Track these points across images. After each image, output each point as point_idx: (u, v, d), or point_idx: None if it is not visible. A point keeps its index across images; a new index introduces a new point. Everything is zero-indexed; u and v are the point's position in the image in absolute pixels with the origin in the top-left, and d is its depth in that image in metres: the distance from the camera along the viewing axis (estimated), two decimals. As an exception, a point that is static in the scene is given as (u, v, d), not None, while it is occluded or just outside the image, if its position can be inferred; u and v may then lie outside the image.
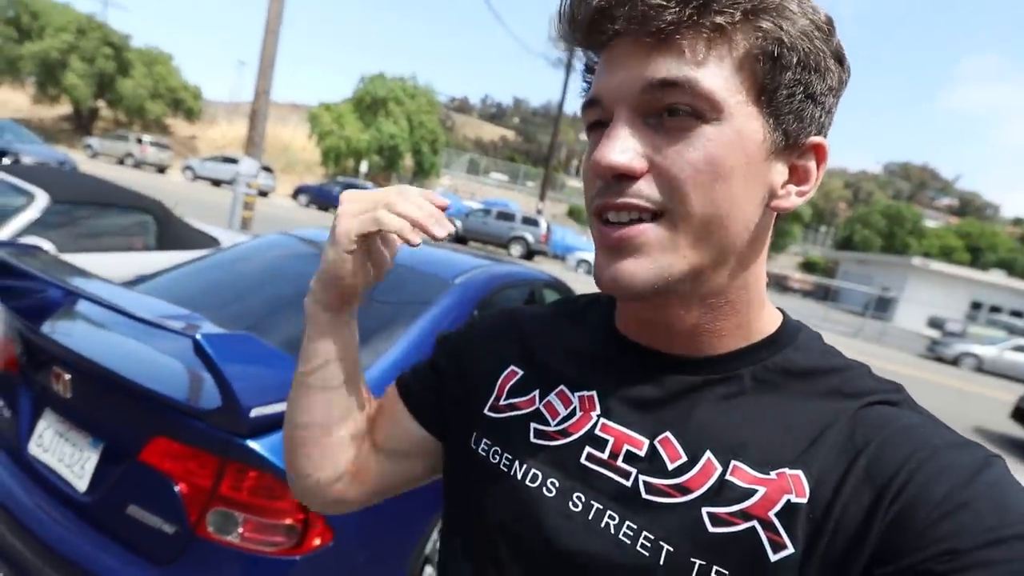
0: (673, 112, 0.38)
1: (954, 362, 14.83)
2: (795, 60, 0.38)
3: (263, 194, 18.46)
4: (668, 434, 0.43)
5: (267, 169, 19.88)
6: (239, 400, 1.01)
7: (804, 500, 0.37)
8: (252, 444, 1.08)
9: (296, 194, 20.21)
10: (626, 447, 0.44)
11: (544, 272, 2.77)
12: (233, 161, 18.15)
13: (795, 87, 0.39)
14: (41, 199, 2.84)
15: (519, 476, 0.47)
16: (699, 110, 0.38)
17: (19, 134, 9.55)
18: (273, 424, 1.11)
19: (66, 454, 1.27)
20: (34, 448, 1.33)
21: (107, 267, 2.60)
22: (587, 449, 0.45)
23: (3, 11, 23.84)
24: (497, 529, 0.47)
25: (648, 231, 0.39)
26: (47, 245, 2.62)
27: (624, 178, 0.39)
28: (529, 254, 16.47)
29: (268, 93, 7.21)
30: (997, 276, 27.89)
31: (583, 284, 14.62)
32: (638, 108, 0.39)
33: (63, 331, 1.35)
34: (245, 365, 1.06)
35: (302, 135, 29.59)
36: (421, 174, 28.36)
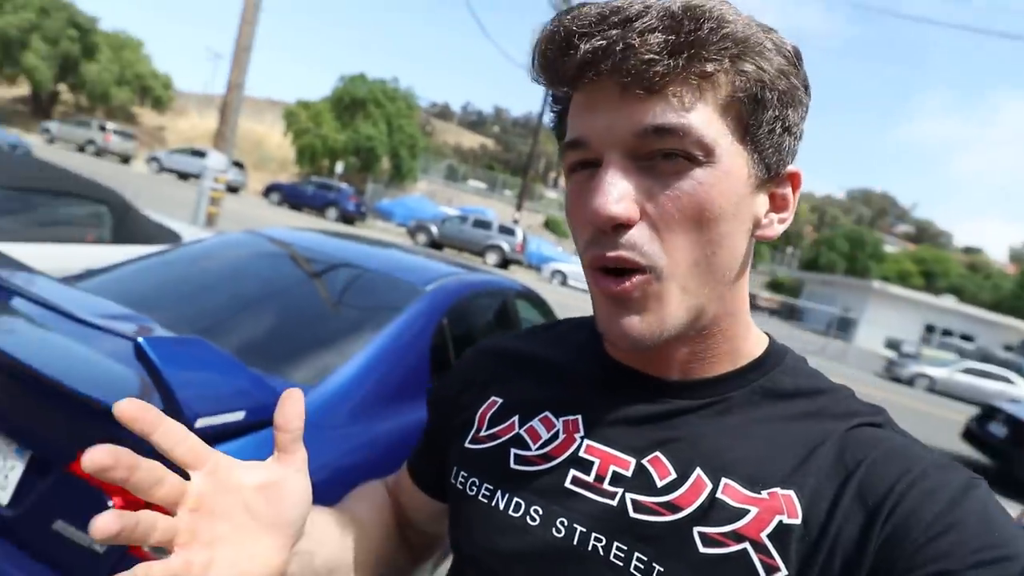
0: (667, 156, 0.39)
1: (909, 382, 15.46)
2: (775, 98, 0.40)
3: (232, 190, 17.96)
4: (657, 453, 0.43)
5: (238, 164, 19.34)
6: (184, 409, 0.94)
7: (797, 521, 0.38)
8: (196, 457, 1.00)
9: (267, 192, 19.77)
10: (612, 468, 0.43)
11: (517, 282, 2.75)
12: (202, 154, 17.60)
13: (775, 123, 0.40)
14: (-16, 183, 2.66)
15: (501, 507, 0.46)
16: (691, 153, 0.38)
17: (-30, 114, 9.06)
18: (222, 435, 1.03)
19: (-13, 463, 1.15)
20: (-49, 455, 1.21)
21: (53, 259, 2.44)
22: (572, 472, 0.44)
23: (-39, -15, 22.72)
24: (487, 563, 0.46)
25: (647, 286, 0.40)
26: (-13, 233, 2.45)
27: (620, 226, 0.39)
28: (504, 263, 16.47)
29: (241, 86, 7.02)
30: (949, 301, 29.29)
31: (557, 294, 14.69)
32: (629, 152, 0.39)
33: (-9, 328, 1.24)
34: (193, 372, 0.98)
35: (277, 132, 29.05)
36: (398, 178, 28.12)
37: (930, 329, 27.90)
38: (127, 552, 1.00)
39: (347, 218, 18.32)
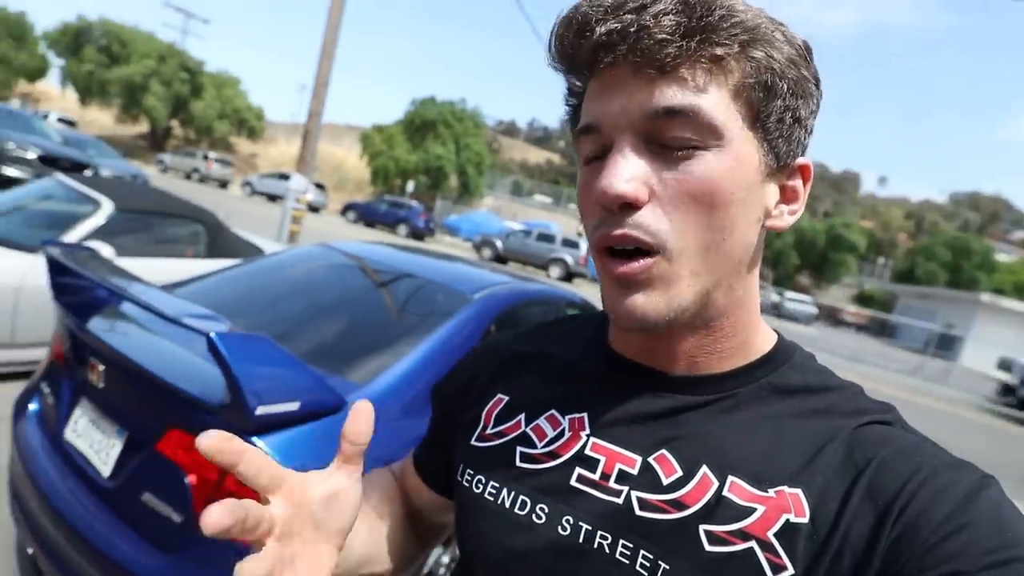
0: (676, 139, 0.39)
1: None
2: (785, 87, 0.40)
3: (314, 210, 19.31)
4: (664, 451, 0.43)
5: (319, 186, 20.84)
6: (246, 398, 1.06)
7: (804, 520, 0.37)
8: (257, 442, 1.12)
9: (345, 211, 21.02)
10: (618, 466, 0.43)
11: (571, 292, 2.76)
12: (287, 178, 19.12)
13: (785, 112, 0.40)
14: (107, 207, 3.09)
15: (507, 504, 0.46)
16: (701, 137, 0.39)
17: (101, 150, 10.46)
18: (278, 423, 1.15)
19: (95, 440, 1.35)
20: (69, 433, 1.42)
21: (159, 272, 2.79)
22: (577, 470, 0.44)
23: (97, 40, 26.33)
24: (494, 561, 0.46)
25: (653, 266, 0.39)
26: (106, 249, 2.83)
27: (627, 207, 0.39)
28: (568, 276, 16.41)
29: (320, 114, 7.59)
30: (1080, 317, 25.53)
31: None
32: (641, 134, 0.39)
33: (102, 326, 1.45)
34: (256, 365, 1.11)
35: (354, 155, 30.90)
36: (465, 194, 28.96)
37: (1056, 349, 24.46)
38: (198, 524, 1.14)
39: (417, 234, 19.13)
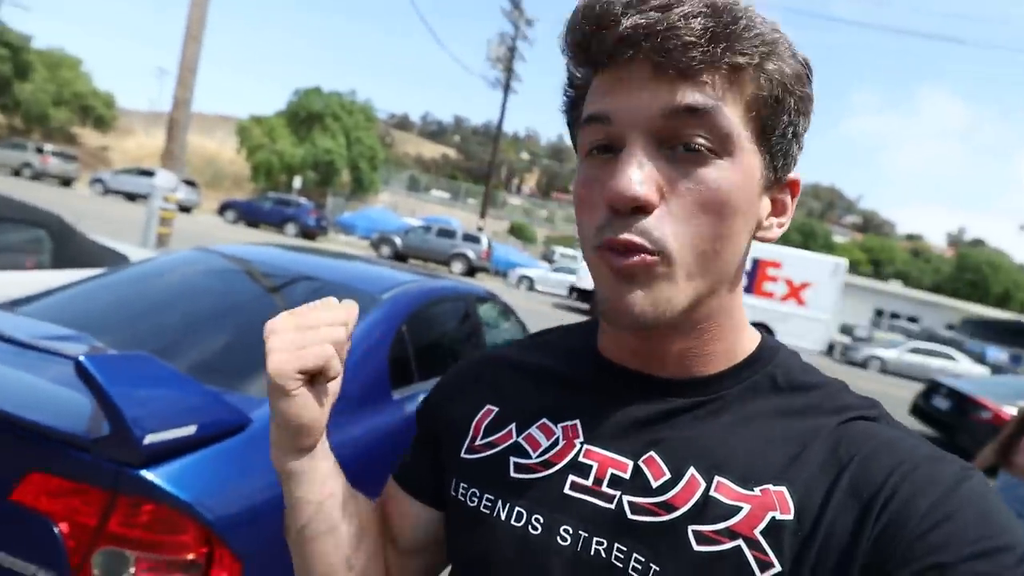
0: (690, 145, 0.38)
1: (863, 365, 16.24)
2: (792, 103, 0.40)
3: (185, 210, 17.32)
4: (652, 453, 0.43)
5: (190, 183, 18.67)
6: (131, 426, 0.93)
7: (789, 516, 0.38)
8: (146, 474, 0.99)
9: (222, 210, 19.14)
10: (610, 471, 0.43)
11: (479, 287, 2.77)
12: (150, 174, 16.99)
13: (788, 128, 0.41)
14: (-93, 212, 2.52)
15: (503, 516, 0.45)
16: (715, 144, 0.38)
17: None
18: (171, 451, 1.02)
19: (-79, 499, 1.10)
20: None
21: (-10, 287, 2.33)
22: (570, 478, 0.44)
23: None
24: (487, 574, 0.45)
25: (653, 266, 0.39)
26: (-86, 263, 2.32)
27: (638, 209, 0.38)
28: (471, 271, 16.44)
29: (189, 103, 6.82)
30: (896, 286, 30.97)
31: (525, 299, 14.72)
32: (656, 133, 0.39)
33: (-79, 358, 1.19)
34: (138, 388, 0.97)
35: (230, 148, 28.24)
36: (359, 190, 27.76)
37: (879, 313, 29.40)
38: (77, 578, 0.98)
39: (308, 233, 17.96)
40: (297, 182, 23.46)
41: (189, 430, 1.03)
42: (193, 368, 1.39)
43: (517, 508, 0.45)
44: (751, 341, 0.48)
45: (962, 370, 14.97)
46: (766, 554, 0.37)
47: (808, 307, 11.35)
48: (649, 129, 0.39)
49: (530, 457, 0.47)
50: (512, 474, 0.47)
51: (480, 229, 19.09)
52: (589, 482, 0.44)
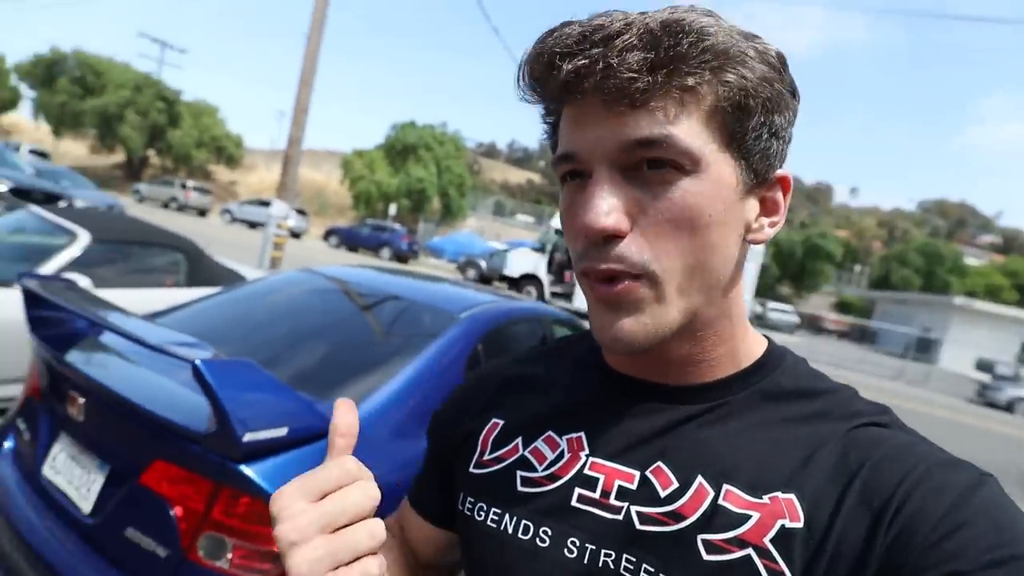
0: (653, 165, 0.39)
1: (1007, 407, 13.93)
2: (759, 105, 0.40)
3: (296, 236, 19.18)
4: (660, 463, 0.43)
5: (301, 212, 20.74)
6: (233, 425, 1.04)
7: (799, 524, 0.37)
8: (245, 469, 1.10)
9: (327, 236, 20.91)
10: (617, 483, 0.43)
11: (557, 308, 2.78)
12: (267, 204, 18.98)
13: (760, 129, 0.41)
14: (83, 238, 3.04)
15: (510, 530, 0.46)
16: (678, 163, 0.39)
17: (75, 180, 10.32)
18: (267, 450, 1.13)
19: (75, 476, 1.31)
20: (47, 471, 1.38)
21: (139, 302, 2.74)
22: (577, 491, 0.44)
23: (70, 71, 26.14)
24: None
25: (638, 289, 0.40)
26: (83, 280, 2.78)
27: (610, 238, 0.40)
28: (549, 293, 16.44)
29: (300, 140, 7.61)
30: (1049, 316, 26.39)
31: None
32: (617, 163, 0.40)
33: (81, 358, 1.43)
34: (242, 391, 1.10)
35: (335, 180, 30.91)
36: (448, 216, 29.05)
37: (1029, 348, 25.17)
38: (187, 558, 1.11)
39: (400, 257, 19.08)
40: (392, 209, 25.08)
41: (281, 431, 1.14)
42: (290, 377, 1.53)
43: (524, 521, 0.45)
44: (757, 346, 0.47)
45: None
46: (776, 563, 0.37)
47: None
48: (610, 161, 0.40)
49: (536, 471, 0.47)
50: (519, 488, 0.47)
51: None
52: (596, 495, 0.44)
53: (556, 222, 13.30)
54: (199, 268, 3.58)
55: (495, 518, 0.47)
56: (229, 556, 1.10)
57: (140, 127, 25.56)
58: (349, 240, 20.05)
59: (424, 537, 0.58)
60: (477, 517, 0.48)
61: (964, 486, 0.35)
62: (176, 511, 1.13)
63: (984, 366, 23.12)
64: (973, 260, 42.67)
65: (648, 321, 0.40)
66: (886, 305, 32.74)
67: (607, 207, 0.39)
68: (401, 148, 27.80)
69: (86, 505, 1.26)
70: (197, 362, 1.02)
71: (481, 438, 0.52)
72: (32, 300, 1.51)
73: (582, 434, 0.47)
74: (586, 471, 0.45)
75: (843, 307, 38.07)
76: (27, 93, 27.48)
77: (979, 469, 0.37)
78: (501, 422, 0.52)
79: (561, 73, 0.39)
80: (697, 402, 0.44)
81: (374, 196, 26.77)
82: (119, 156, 28.44)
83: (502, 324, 2.12)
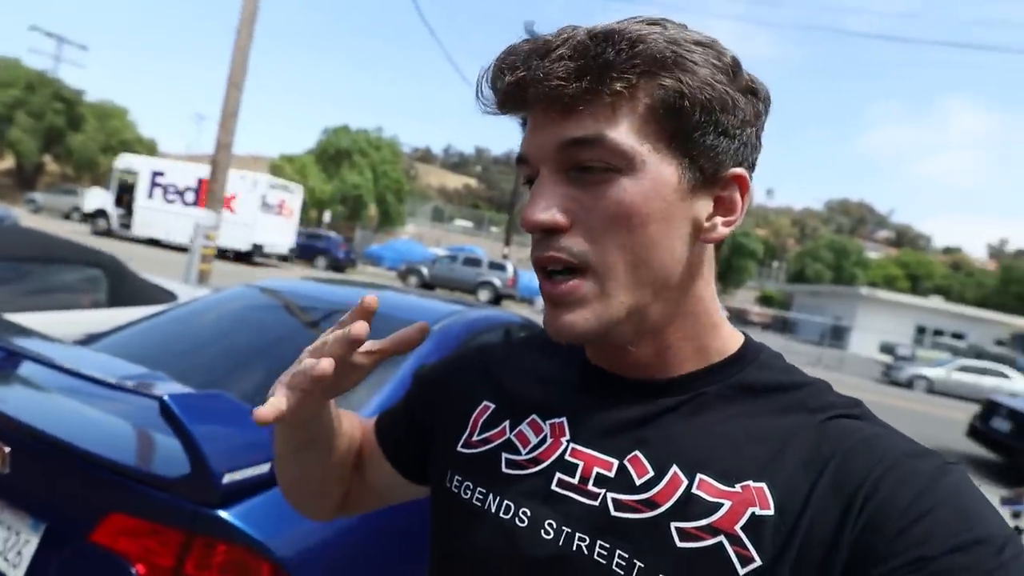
0: (590, 167, 0.42)
1: (908, 385, 15.46)
2: (698, 106, 0.41)
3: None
4: (636, 452, 0.44)
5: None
6: (211, 465, 0.92)
7: (770, 512, 0.38)
8: (222, 514, 0.97)
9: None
10: (596, 470, 0.45)
11: (516, 314, 2.76)
12: (72, 192, 17.78)
13: (703, 127, 0.42)
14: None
15: (493, 509, 0.47)
16: (613, 163, 0.41)
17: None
18: (246, 490, 1.01)
19: None
20: (-39, 535, 1.16)
21: (52, 326, 2.41)
22: (558, 475, 0.46)
23: (-55, 67, 23.16)
24: (475, 564, 0.47)
25: (582, 286, 0.43)
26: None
27: (552, 232, 0.43)
28: (497, 298, 16.46)
29: (230, 146, 7.14)
30: (936, 301, 29.70)
31: (552, 325, 14.49)
32: (558, 164, 0.43)
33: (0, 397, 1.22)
34: (216, 426, 0.97)
35: (262, 186, 29.31)
36: (386, 223, 28.40)
37: (921, 330, 28.14)
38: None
39: (337, 266, 18.36)
40: (327, 216, 24.17)
41: (263, 468, 1.02)
42: (245, 400, 1.39)
43: (507, 501, 0.47)
44: (732, 341, 0.49)
45: (1019, 388, 14.12)
46: (747, 549, 0.38)
47: (237, 214, 14.98)
48: (551, 162, 0.43)
49: (520, 454, 0.49)
50: (504, 469, 0.49)
51: (505, 257, 19.18)
52: (575, 480, 0.45)
53: (121, 163, 16.82)
54: (122, 285, 3.23)
55: (480, 496, 0.49)
56: (207, 615, 0.97)
57: (33, 130, 23.02)
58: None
59: (381, 471, 0.61)
60: (464, 495, 0.50)
61: (929, 474, 0.37)
62: (138, 569, 0.98)
63: (887, 349, 25.60)
64: (872, 254, 47.31)
65: (590, 316, 0.43)
66: (802, 297, 35.51)
67: (544, 204, 0.42)
68: (334, 153, 26.87)
69: (16, 573, 1.07)
70: (166, 398, 0.89)
71: (472, 419, 0.54)
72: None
73: (564, 419, 0.49)
74: (567, 457, 0.46)
75: (765, 301, 40.89)
76: None
77: (943, 457, 0.39)
78: (492, 405, 0.54)
79: (502, 85, 0.43)
80: (674, 395, 0.46)
81: (307, 203, 25.65)
82: (8, 162, 25.46)
83: (473, 333, 2.06)
